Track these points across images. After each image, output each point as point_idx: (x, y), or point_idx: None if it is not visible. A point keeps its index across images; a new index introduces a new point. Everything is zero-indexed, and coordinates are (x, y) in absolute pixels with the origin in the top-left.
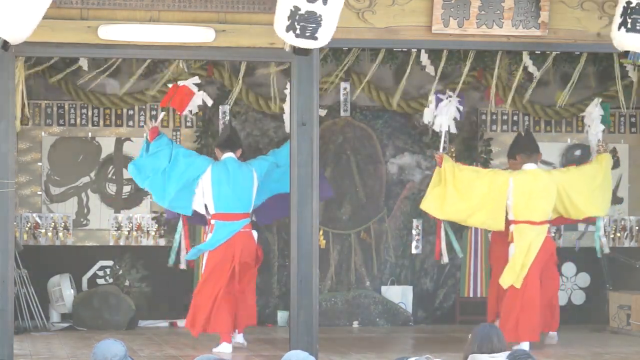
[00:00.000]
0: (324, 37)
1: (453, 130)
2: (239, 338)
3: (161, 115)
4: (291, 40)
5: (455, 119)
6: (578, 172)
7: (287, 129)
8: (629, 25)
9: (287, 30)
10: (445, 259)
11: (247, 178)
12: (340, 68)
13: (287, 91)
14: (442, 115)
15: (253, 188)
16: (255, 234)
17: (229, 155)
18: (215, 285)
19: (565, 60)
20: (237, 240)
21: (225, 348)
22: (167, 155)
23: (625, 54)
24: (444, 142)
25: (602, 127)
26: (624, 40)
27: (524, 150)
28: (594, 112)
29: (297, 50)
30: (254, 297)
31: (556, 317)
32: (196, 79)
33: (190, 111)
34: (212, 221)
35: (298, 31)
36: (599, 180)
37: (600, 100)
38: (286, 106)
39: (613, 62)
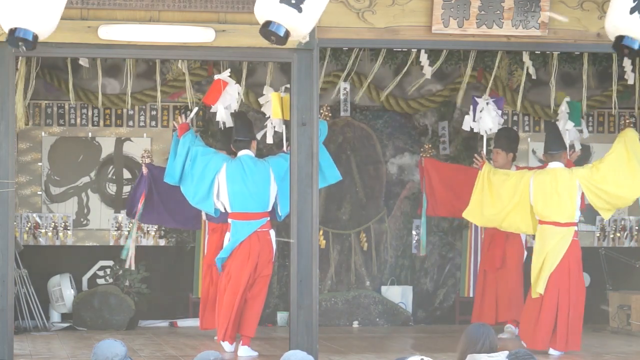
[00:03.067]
0: (307, 18)
1: (495, 129)
2: (243, 351)
3: (194, 111)
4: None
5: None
6: (601, 164)
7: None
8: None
9: None
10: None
11: (264, 176)
12: (346, 72)
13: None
14: (484, 118)
15: (270, 186)
16: (273, 233)
17: (244, 152)
18: (235, 289)
19: (565, 60)
20: (254, 241)
21: (227, 347)
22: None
23: (619, 40)
24: (485, 146)
25: (571, 124)
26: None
27: (545, 149)
28: (561, 111)
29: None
30: (260, 308)
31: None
32: (228, 71)
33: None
34: (230, 220)
35: None
36: (625, 160)
37: (568, 98)
38: (262, 100)
39: (612, 63)
